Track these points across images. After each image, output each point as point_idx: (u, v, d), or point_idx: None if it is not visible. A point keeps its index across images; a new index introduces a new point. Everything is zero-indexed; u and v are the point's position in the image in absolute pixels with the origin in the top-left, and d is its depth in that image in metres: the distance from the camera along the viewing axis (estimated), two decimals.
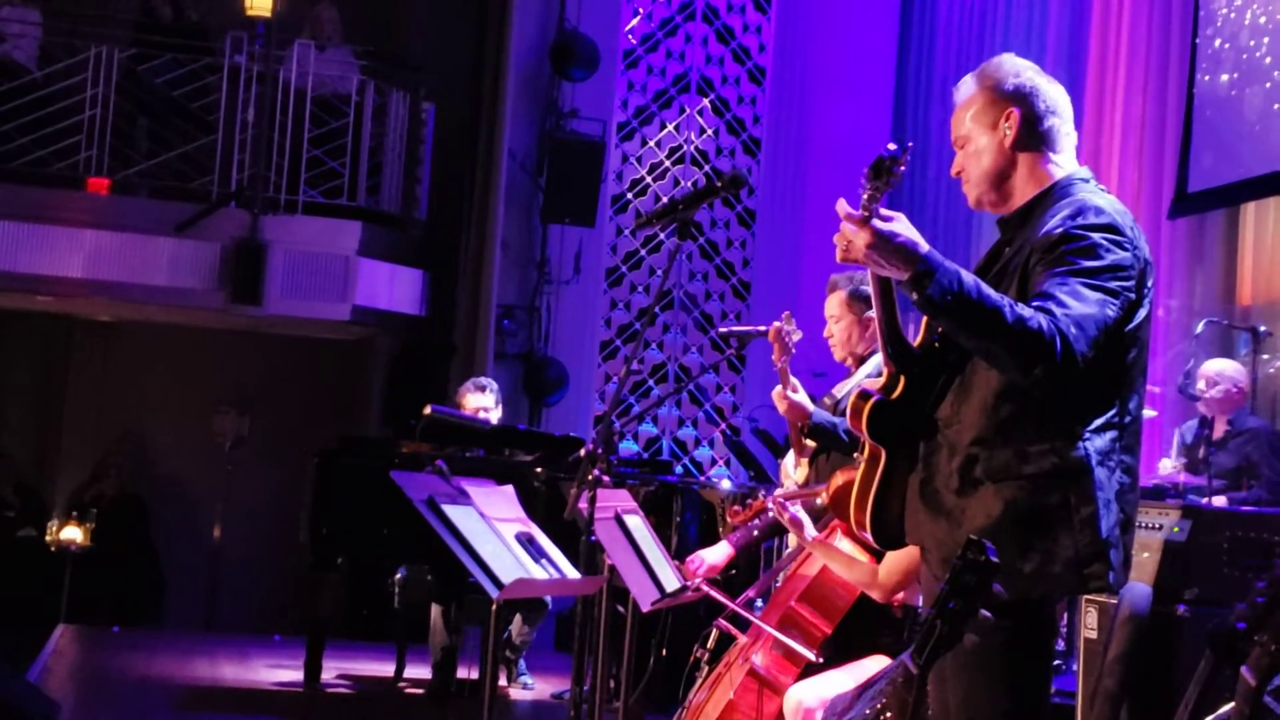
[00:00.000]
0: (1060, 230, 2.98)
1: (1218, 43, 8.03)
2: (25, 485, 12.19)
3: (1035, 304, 2.90)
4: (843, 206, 2.93)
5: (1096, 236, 2.97)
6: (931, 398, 3.12)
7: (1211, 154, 8.00)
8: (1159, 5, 8.47)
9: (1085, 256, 2.95)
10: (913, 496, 3.12)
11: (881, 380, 3.17)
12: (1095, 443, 2.98)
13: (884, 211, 2.91)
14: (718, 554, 5.13)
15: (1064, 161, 3.17)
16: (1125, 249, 2.99)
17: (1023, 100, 3.15)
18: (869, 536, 3.17)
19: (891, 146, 2.92)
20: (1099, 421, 2.99)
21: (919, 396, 3.12)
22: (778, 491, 4.70)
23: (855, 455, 4.07)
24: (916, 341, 3.16)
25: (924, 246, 2.90)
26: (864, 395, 3.12)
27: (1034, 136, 3.15)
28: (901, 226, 2.89)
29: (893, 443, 3.13)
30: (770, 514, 4.50)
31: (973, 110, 3.19)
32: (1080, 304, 2.89)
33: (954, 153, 3.27)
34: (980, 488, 3.00)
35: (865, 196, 2.90)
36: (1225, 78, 7.97)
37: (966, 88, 3.22)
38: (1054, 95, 3.18)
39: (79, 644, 9.00)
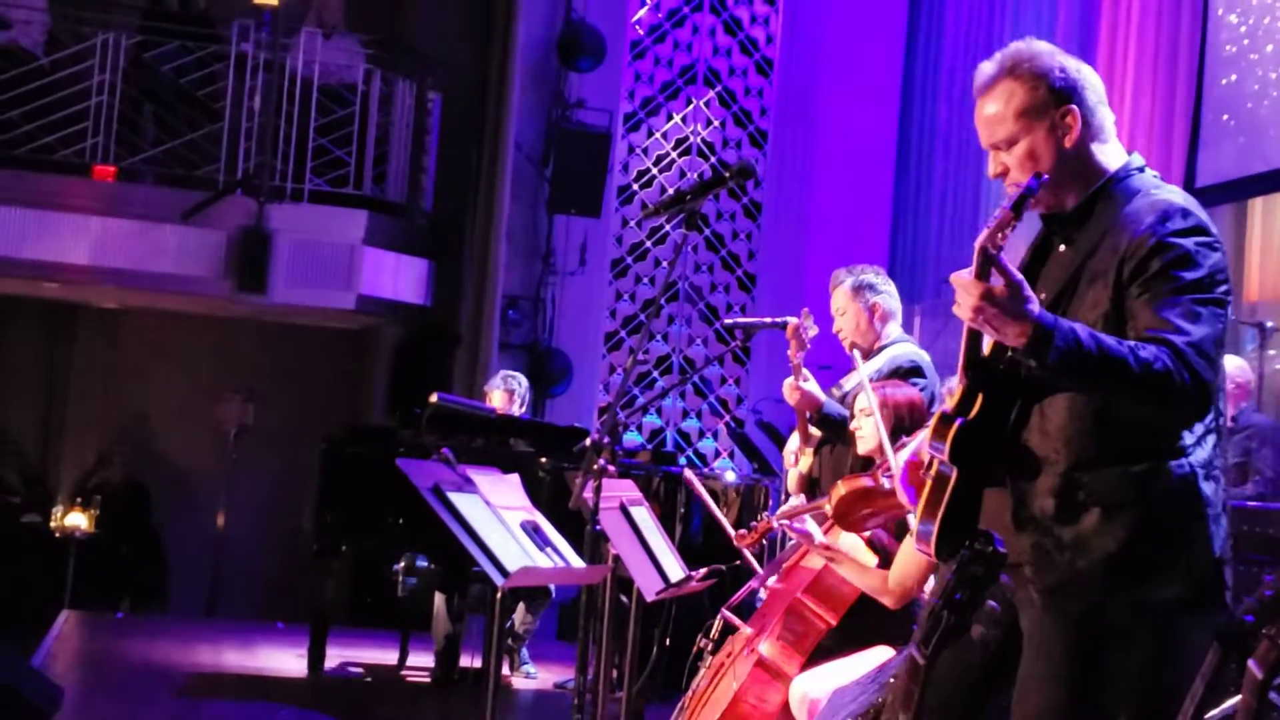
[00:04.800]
0: (1153, 241, 2.82)
1: (1230, 35, 8.01)
2: (30, 471, 12.20)
3: (1151, 334, 2.76)
4: (957, 277, 2.79)
5: (1190, 243, 2.82)
6: (1011, 415, 2.93)
7: (1219, 149, 7.99)
8: (1169, 1, 8.46)
9: (1185, 268, 2.80)
10: (1003, 522, 2.92)
11: (954, 398, 2.97)
12: (1197, 455, 2.85)
13: (1009, 268, 2.74)
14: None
15: (1110, 151, 3.01)
16: (1216, 249, 2.86)
17: (1077, 95, 2.96)
18: (933, 555, 2.96)
19: (1041, 175, 2.84)
20: (1200, 429, 2.86)
21: (997, 413, 2.93)
22: (781, 510, 4.68)
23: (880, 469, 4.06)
24: (985, 349, 2.93)
25: (1036, 308, 2.74)
26: (946, 419, 2.92)
27: (1089, 131, 2.98)
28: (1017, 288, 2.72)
29: (969, 463, 2.92)
30: (777, 529, 4.48)
31: (1017, 107, 2.96)
32: (1198, 326, 2.76)
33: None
34: (1086, 513, 2.84)
35: (994, 229, 2.76)
36: (1234, 74, 7.95)
37: (1004, 85, 2.98)
38: (1095, 81, 3.02)
39: (83, 630, 9.01)
